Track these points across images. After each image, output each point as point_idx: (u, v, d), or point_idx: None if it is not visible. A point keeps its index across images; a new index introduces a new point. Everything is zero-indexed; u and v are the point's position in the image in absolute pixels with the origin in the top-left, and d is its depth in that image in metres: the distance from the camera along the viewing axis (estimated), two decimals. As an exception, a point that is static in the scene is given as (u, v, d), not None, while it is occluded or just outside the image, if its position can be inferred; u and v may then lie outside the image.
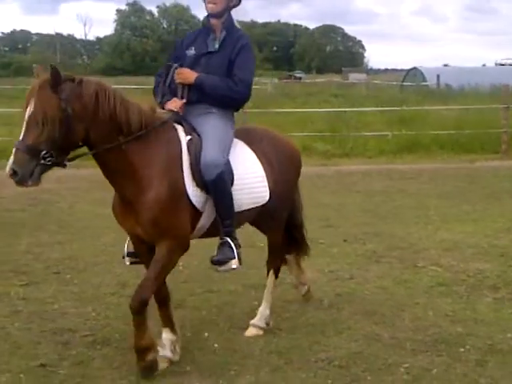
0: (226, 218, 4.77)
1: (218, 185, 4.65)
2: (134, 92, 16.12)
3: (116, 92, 4.47)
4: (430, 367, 4.77)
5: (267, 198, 5.10)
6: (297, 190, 5.76)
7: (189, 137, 4.75)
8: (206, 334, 5.39)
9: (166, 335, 4.91)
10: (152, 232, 4.50)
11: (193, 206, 4.64)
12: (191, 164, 4.64)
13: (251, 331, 5.42)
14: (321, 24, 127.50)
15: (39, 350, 5.07)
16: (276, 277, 5.64)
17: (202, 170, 4.62)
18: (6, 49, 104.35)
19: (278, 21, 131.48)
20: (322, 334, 5.39)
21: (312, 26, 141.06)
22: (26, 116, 4.14)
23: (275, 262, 5.63)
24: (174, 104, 4.88)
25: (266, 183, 5.08)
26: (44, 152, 4.11)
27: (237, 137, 5.10)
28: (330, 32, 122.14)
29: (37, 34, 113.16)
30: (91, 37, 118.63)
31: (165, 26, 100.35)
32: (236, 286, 6.50)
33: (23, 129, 4.14)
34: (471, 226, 9.11)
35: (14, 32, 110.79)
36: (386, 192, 11.91)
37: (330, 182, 13.06)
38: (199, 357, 4.97)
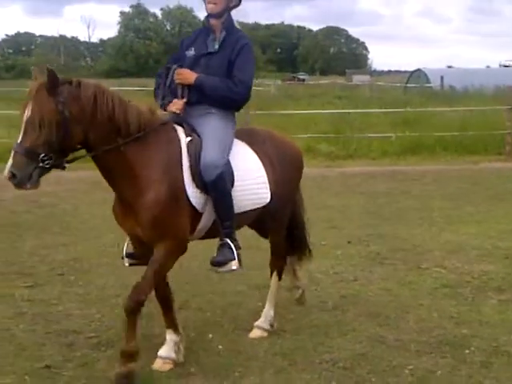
0: (226, 220, 4.75)
1: (218, 185, 4.63)
2: (138, 94, 16.13)
3: (114, 94, 4.47)
4: (435, 369, 4.77)
5: (268, 199, 5.08)
6: (298, 192, 5.74)
7: (189, 138, 4.74)
8: (211, 336, 5.40)
9: (170, 336, 4.91)
10: (151, 233, 4.49)
11: (193, 207, 4.63)
12: (191, 165, 4.63)
13: (256, 333, 5.42)
14: (324, 26, 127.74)
15: (44, 352, 5.08)
16: (279, 278, 5.64)
17: (202, 171, 4.61)
18: (10, 51, 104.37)
19: (282, 22, 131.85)
20: (327, 335, 5.39)
21: (315, 27, 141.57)
22: (24, 119, 4.14)
23: (278, 264, 5.63)
24: (176, 106, 4.88)
25: (268, 184, 5.07)
26: (42, 155, 4.11)
27: (238, 137, 5.09)
28: (333, 34, 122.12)
29: (41, 36, 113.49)
30: (95, 39, 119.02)
31: (168, 28, 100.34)
32: (240, 288, 6.50)
33: (21, 132, 4.14)
34: (475, 227, 9.10)
35: (18, 34, 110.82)
36: (389, 193, 11.90)
37: (333, 184, 13.06)
38: (203, 358, 4.98)
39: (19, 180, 4.10)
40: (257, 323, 5.46)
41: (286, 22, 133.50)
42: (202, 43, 5.04)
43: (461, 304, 6.09)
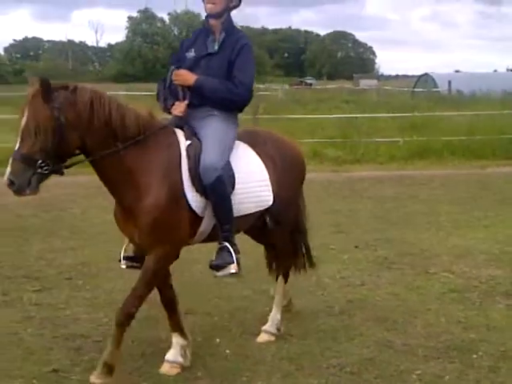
0: (225, 223, 4.72)
1: (217, 188, 4.60)
2: (145, 98, 16.12)
3: (111, 98, 4.45)
4: (443, 374, 4.76)
5: (271, 201, 5.06)
6: (302, 198, 5.71)
7: (188, 141, 4.71)
8: (218, 340, 5.40)
9: (176, 340, 4.91)
10: (148, 238, 4.47)
11: (193, 211, 4.61)
12: (190, 169, 4.60)
13: (263, 337, 5.42)
14: (332, 30, 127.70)
15: (52, 356, 5.09)
16: (285, 282, 5.62)
17: (201, 173, 4.58)
18: (18, 56, 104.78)
19: (289, 27, 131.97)
20: (334, 340, 5.39)
21: (323, 32, 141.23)
22: (21, 125, 4.14)
23: (284, 267, 5.61)
24: (178, 109, 4.86)
25: (270, 186, 5.04)
26: (40, 161, 4.11)
27: (241, 139, 5.06)
28: (340, 38, 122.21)
29: (49, 41, 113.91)
30: (103, 44, 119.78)
31: (176, 33, 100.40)
32: (246, 292, 6.50)
33: (19, 138, 4.14)
34: (483, 232, 9.08)
35: (26, 39, 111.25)
36: (397, 198, 11.88)
37: (341, 188, 13.04)
38: (211, 363, 4.98)
39: (18, 187, 4.11)
40: (264, 327, 5.46)
41: (293, 27, 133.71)
42: (201, 44, 5.01)
43: (468, 309, 6.07)
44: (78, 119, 4.22)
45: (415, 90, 38.60)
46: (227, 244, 4.74)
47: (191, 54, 5.00)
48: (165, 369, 4.81)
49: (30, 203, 10.36)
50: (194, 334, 5.30)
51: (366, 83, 56.03)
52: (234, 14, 5.12)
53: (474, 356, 5.05)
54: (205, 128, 4.82)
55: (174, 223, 4.51)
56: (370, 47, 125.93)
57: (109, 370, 4.50)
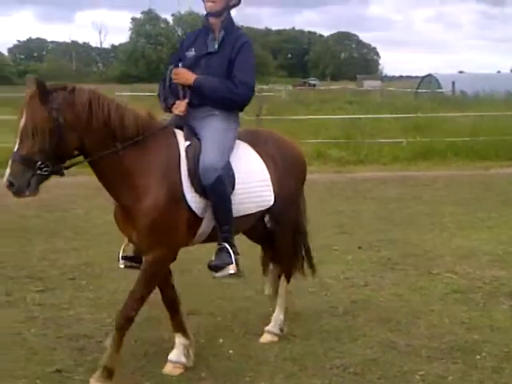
0: (225, 224, 4.69)
1: (217, 189, 4.57)
2: (149, 99, 16.14)
3: (110, 99, 4.43)
4: (446, 374, 4.76)
5: (272, 201, 5.04)
6: (302, 196, 5.68)
7: (188, 142, 4.69)
8: (221, 341, 5.40)
9: (179, 340, 4.92)
10: (147, 239, 4.45)
11: (193, 212, 4.59)
12: (189, 169, 4.58)
13: (266, 337, 5.42)
14: (335, 31, 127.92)
15: (55, 356, 5.09)
16: (288, 281, 5.61)
17: (201, 174, 4.56)
18: (22, 57, 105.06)
19: (293, 28, 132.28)
20: (337, 340, 5.38)
21: (326, 33, 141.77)
22: (20, 127, 4.12)
23: (286, 267, 5.59)
24: (179, 108, 4.84)
25: (271, 186, 5.02)
26: (39, 162, 4.10)
27: (241, 139, 5.04)
28: (344, 39, 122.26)
29: (52, 41, 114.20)
30: (106, 45, 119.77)
31: (179, 33, 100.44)
32: (249, 293, 6.50)
33: (17, 140, 4.13)
34: (486, 233, 9.07)
35: (29, 40, 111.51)
36: (400, 199, 11.87)
37: (344, 189, 13.03)
38: (214, 363, 4.98)
39: (17, 188, 4.10)
40: (267, 328, 5.46)
41: (296, 28, 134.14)
42: (202, 43, 4.98)
43: (472, 309, 6.07)
44: (76, 120, 4.21)
45: (419, 90, 38.63)
46: (226, 245, 4.71)
47: (191, 53, 4.98)
48: (168, 369, 4.82)
49: (33, 204, 10.34)
50: (197, 334, 5.31)
51: (369, 84, 56.08)
52: (234, 14, 5.11)
53: (478, 357, 5.04)
54: (205, 128, 4.80)
55: (172, 224, 4.49)
56: (374, 48, 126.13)
57: (109, 373, 4.47)
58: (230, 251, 4.69)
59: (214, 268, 4.76)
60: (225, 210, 4.67)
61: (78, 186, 11.97)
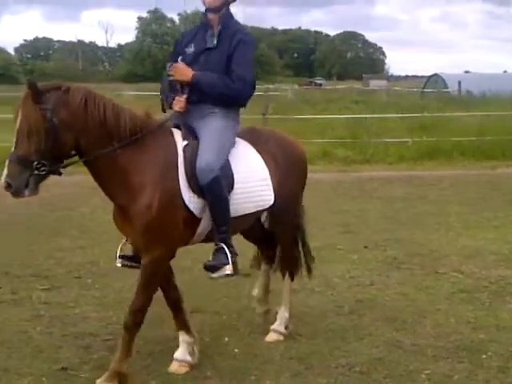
0: (222, 225, 4.66)
1: (213, 189, 4.54)
2: (155, 98, 16.19)
3: (106, 98, 4.40)
4: (452, 374, 4.75)
5: (272, 201, 4.99)
6: (302, 202, 5.61)
7: (185, 142, 4.66)
8: (227, 339, 5.40)
9: (183, 338, 4.91)
10: (144, 239, 4.44)
11: (191, 212, 4.56)
12: (187, 169, 4.55)
13: (272, 336, 5.41)
14: (341, 31, 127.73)
15: (61, 354, 5.10)
16: (292, 280, 5.59)
17: (198, 174, 4.52)
18: (29, 56, 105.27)
19: (299, 28, 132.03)
20: (343, 339, 5.38)
21: (333, 32, 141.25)
22: (16, 127, 4.12)
23: (289, 266, 5.56)
24: (178, 105, 4.79)
25: (271, 186, 4.98)
26: (36, 162, 4.08)
27: (242, 137, 5.01)
28: (350, 39, 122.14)
29: (59, 41, 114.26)
30: (112, 44, 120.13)
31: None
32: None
33: (14, 140, 4.12)
34: (492, 232, 9.05)
35: (36, 39, 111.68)
36: (406, 198, 11.86)
37: (350, 188, 13.02)
38: (219, 362, 4.98)
39: (15, 189, 4.09)
40: (273, 327, 5.45)
41: (303, 27, 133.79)
42: (201, 39, 4.94)
43: (478, 309, 6.05)
44: (71, 120, 4.19)
45: (425, 90, 38.55)
46: (223, 245, 4.68)
47: (191, 49, 4.93)
48: (173, 367, 4.82)
49: (34, 203, 10.38)
50: (203, 333, 5.32)
51: (375, 84, 56.06)
52: (237, 15, 5.09)
53: (484, 356, 5.03)
54: (204, 128, 4.76)
55: (169, 224, 4.46)
56: (380, 48, 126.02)
57: (116, 375, 4.47)
58: (227, 252, 4.66)
59: (211, 268, 4.73)
60: (222, 210, 4.63)
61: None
